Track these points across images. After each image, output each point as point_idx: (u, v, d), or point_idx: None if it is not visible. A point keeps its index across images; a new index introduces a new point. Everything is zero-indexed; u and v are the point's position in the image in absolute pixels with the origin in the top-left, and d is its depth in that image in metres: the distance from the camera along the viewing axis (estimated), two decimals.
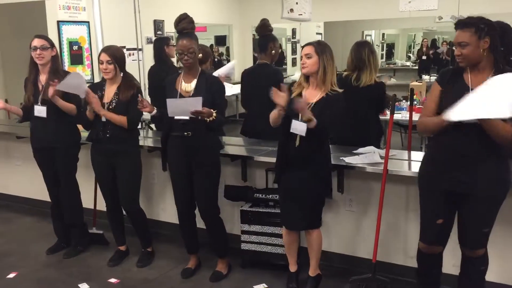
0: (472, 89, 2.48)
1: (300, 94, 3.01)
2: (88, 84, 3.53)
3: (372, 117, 3.95)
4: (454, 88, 2.56)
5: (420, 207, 2.81)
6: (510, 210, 2.97)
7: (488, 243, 2.73)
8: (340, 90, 3.01)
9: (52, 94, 3.49)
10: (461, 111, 2.36)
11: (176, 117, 3.24)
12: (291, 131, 3.00)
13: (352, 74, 3.82)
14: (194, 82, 3.28)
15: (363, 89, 3.77)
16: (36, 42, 3.61)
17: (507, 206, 2.75)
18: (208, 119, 3.13)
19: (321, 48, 2.97)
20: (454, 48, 2.58)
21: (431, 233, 2.77)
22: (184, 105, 3.11)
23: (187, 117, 3.17)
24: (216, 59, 9.33)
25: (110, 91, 3.54)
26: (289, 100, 2.96)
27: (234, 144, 4.01)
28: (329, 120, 2.93)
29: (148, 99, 4.62)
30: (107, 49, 3.50)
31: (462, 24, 2.48)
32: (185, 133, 3.27)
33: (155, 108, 3.39)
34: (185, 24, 3.24)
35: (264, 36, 4.20)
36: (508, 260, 3.12)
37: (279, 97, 2.91)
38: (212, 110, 3.13)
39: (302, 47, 3.05)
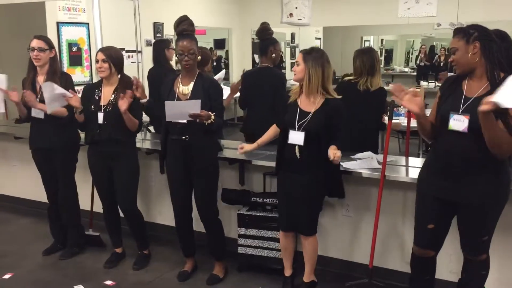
0: (466, 97, 2.48)
1: (295, 101, 3.05)
2: (84, 86, 3.54)
3: (373, 123, 3.93)
4: (450, 95, 2.57)
5: (415, 210, 2.82)
6: None
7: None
8: (338, 97, 3.01)
9: (34, 105, 3.58)
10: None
11: (173, 121, 3.24)
12: (289, 142, 3.02)
13: (360, 79, 3.78)
14: (192, 84, 3.27)
15: (370, 94, 3.76)
16: (34, 43, 3.60)
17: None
18: (206, 122, 3.13)
19: (307, 55, 2.96)
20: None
21: (422, 237, 2.78)
22: (183, 108, 3.09)
23: (184, 121, 3.17)
24: (214, 63, 9.36)
25: (107, 93, 3.54)
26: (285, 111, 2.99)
27: (232, 148, 4.00)
28: (338, 133, 2.99)
29: None
30: (105, 49, 3.52)
31: (455, 31, 2.51)
32: (183, 137, 3.26)
33: (147, 96, 3.41)
34: (185, 26, 3.24)
35: (264, 40, 4.20)
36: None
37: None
38: (210, 113, 3.13)
39: None
